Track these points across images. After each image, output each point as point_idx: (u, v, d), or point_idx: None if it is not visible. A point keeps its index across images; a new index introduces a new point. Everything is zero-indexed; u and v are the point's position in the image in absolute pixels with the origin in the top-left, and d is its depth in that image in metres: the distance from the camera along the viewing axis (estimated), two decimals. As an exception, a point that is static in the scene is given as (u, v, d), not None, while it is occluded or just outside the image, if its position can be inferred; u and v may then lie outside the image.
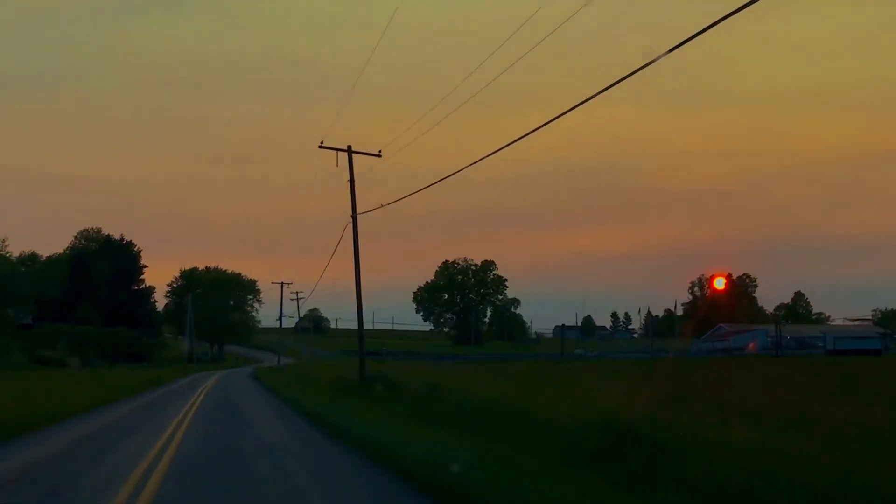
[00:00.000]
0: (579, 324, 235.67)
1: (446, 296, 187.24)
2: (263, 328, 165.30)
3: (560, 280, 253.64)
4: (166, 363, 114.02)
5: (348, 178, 29.09)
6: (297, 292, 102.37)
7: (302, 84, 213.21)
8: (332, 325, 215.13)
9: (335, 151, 28.95)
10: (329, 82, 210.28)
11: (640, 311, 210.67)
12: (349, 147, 29.51)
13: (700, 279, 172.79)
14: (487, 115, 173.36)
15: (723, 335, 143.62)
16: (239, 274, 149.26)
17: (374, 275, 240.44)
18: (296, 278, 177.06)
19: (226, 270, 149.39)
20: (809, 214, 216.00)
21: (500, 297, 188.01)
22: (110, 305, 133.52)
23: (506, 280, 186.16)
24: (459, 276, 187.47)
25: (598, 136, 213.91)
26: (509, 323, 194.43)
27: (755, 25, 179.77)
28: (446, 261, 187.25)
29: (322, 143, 29.03)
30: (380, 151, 29.31)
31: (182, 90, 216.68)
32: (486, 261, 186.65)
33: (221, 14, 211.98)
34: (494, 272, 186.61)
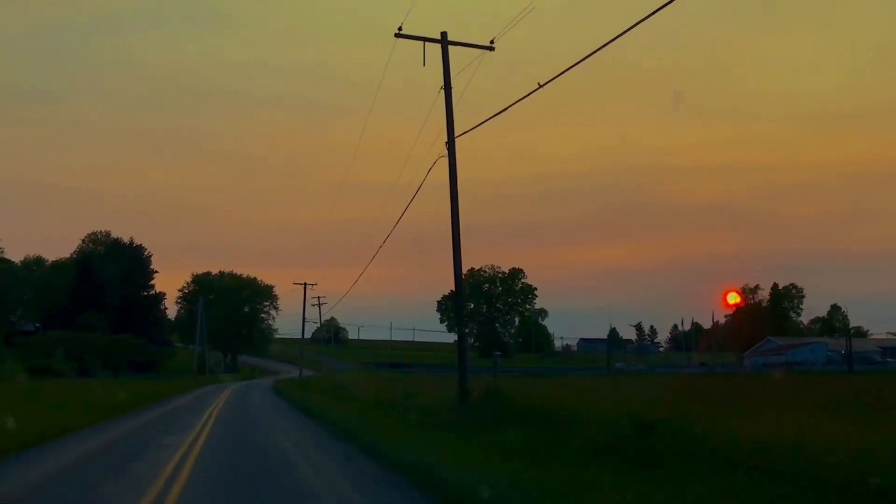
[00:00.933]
0: (606, 336, 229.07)
1: (472, 305, 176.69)
2: (278, 338, 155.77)
3: (576, 292, 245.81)
4: (175, 374, 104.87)
5: (442, 85, 18.93)
6: (318, 297, 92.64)
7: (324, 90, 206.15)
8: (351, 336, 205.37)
9: (421, 43, 18.68)
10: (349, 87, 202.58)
11: (682, 321, 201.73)
12: (444, 35, 19.46)
13: (743, 289, 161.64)
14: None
15: (773, 349, 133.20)
16: (255, 278, 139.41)
17: (392, 285, 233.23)
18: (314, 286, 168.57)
19: (241, 275, 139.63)
20: (829, 229, 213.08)
21: (528, 307, 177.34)
22: (118, 311, 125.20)
23: (535, 289, 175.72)
24: (486, 285, 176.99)
25: (617, 152, 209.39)
26: (537, 334, 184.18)
27: (774, 43, 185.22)
28: (472, 268, 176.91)
29: (400, 29, 18.87)
30: (492, 41, 19.14)
31: (202, 100, 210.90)
32: (514, 269, 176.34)
33: (240, 23, 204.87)
34: (523, 281, 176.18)
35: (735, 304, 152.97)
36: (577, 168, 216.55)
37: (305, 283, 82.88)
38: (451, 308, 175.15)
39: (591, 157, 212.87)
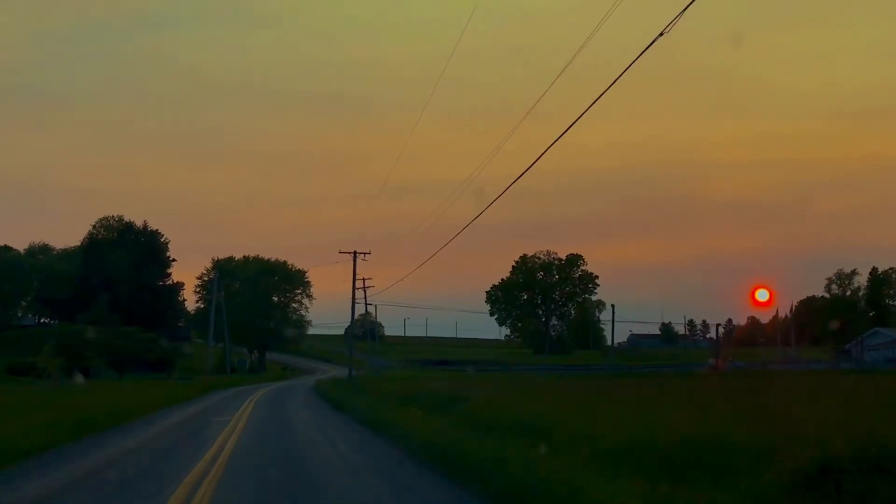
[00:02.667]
0: (660, 331, 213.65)
1: (525, 296, 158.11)
2: (308, 334, 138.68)
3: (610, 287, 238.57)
4: (192, 374, 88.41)
5: None
6: (364, 279, 75.04)
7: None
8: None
9: None
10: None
11: (781, 310, 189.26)
12: None
13: (838, 274, 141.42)
14: None
15: (890, 342, 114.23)
16: (284, 262, 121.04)
17: (429, 279, 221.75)
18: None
19: (268, 259, 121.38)
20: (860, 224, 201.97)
21: (588, 296, 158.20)
22: (129, 303, 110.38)
23: (596, 277, 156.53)
24: (540, 273, 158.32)
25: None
26: (593, 329, 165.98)
27: (800, 36, 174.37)
28: (525, 255, 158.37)
29: None
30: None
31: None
32: (571, 254, 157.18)
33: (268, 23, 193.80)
34: (582, 268, 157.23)
35: (764, 302, 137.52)
36: (610, 163, 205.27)
37: (355, 252, 64.72)
38: (500, 300, 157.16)
39: (623, 152, 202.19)
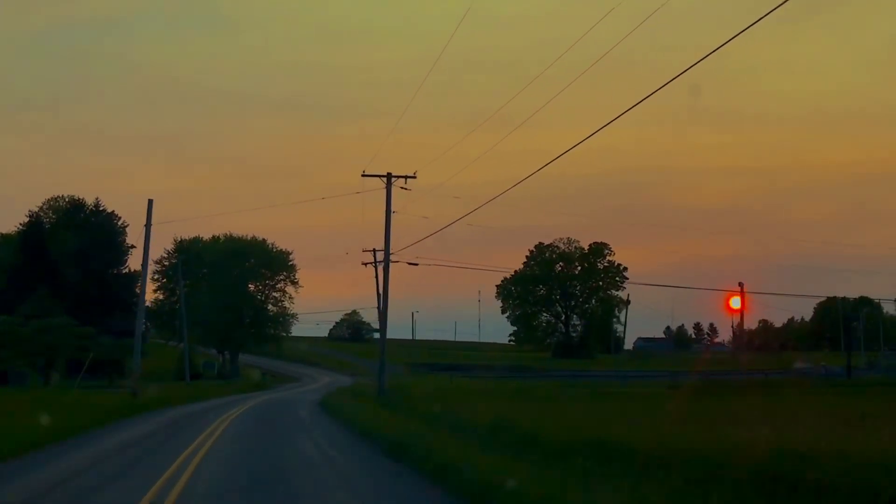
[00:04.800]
0: (665, 335, 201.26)
1: (542, 290, 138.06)
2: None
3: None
4: (147, 379, 68.34)
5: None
6: (374, 250, 54.32)
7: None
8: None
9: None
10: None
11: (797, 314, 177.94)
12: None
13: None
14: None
15: None
16: (264, 240, 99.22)
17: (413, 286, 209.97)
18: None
19: (243, 237, 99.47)
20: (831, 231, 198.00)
21: (615, 292, 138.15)
22: (77, 295, 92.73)
23: (624, 269, 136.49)
24: (560, 264, 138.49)
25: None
26: (605, 330, 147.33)
27: (773, 45, 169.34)
28: (540, 243, 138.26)
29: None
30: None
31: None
32: (595, 243, 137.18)
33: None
34: (609, 257, 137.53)
35: (737, 309, 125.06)
36: (578, 170, 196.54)
37: (390, 175, 41.57)
38: (514, 296, 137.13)
39: (593, 158, 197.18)
